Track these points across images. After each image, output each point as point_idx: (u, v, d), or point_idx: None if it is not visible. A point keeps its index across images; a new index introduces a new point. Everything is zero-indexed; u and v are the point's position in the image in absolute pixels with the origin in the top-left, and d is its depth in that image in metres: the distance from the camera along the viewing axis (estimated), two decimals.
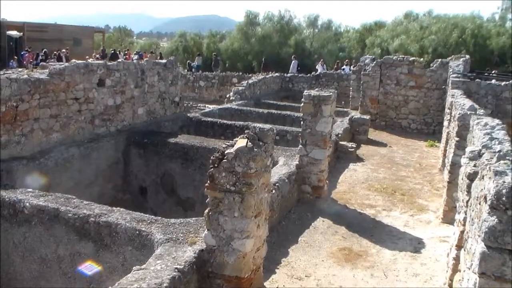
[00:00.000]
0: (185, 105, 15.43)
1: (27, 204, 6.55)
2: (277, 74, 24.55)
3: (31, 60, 31.62)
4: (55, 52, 35.77)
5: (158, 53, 37.04)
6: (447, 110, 12.97)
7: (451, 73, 15.77)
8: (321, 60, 31.71)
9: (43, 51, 35.63)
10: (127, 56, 38.79)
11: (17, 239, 6.70)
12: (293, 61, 31.92)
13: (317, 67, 29.09)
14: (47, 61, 28.12)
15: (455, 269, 5.75)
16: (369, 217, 9.01)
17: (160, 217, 6.32)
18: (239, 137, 5.31)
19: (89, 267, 6.68)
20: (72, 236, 6.29)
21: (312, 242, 7.75)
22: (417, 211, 9.47)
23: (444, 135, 12.64)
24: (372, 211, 9.30)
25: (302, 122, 9.39)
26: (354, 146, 13.51)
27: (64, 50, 36.09)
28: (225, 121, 13.56)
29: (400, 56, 19.23)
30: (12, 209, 6.63)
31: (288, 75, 25.06)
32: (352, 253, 7.45)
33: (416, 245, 7.86)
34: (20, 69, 11.34)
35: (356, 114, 17.42)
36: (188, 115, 14.20)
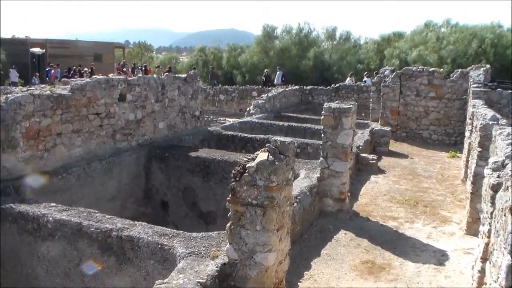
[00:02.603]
0: (205, 119, 15.49)
1: (51, 218, 6.60)
2: (296, 87, 24.57)
3: (57, 76, 32.04)
4: (79, 68, 36.29)
5: (167, 68, 37.27)
6: (468, 121, 12.87)
7: (471, 83, 15.64)
8: (351, 73, 31.48)
9: (68, 68, 36.21)
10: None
11: (41, 253, 6.75)
12: (277, 72, 32.05)
13: (364, 79, 28.86)
14: (75, 76, 28.52)
15: (481, 282, 5.66)
16: (392, 229, 8.94)
17: (182, 231, 6.32)
18: (260, 150, 5.31)
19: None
20: (95, 250, 6.32)
21: (335, 255, 7.71)
22: (440, 222, 9.38)
23: (466, 146, 12.53)
24: (394, 223, 9.23)
25: (322, 135, 9.37)
26: (375, 158, 13.44)
27: (86, 68, 36.53)
28: (245, 135, 13.59)
29: (420, 67, 19.12)
30: (36, 223, 6.68)
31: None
32: (375, 265, 7.39)
33: (439, 258, 7.78)
34: (43, 85, 11.48)
35: (376, 125, 17.36)
36: (209, 129, 14.25)
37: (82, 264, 6.46)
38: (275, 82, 32.10)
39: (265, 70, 34.91)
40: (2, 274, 7.11)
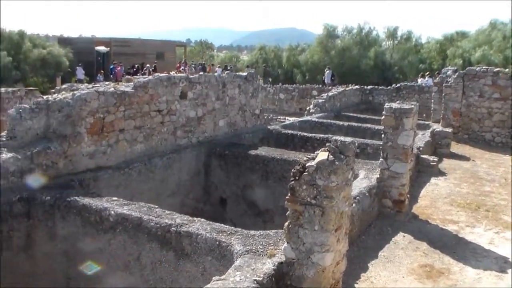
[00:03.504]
0: (265, 117, 15.52)
1: (112, 212, 6.74)
2: (357, 86, 24.35)
3: (123, 73, 32.81)
4: (141, 65, 37.08)
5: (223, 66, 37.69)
6: None
7: None
8: (427, 72, 30.79)
9: (132, 65, 37.08)
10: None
11: (102, 245, 6.90)
12: (326, 71, 31.76)
13: (426, 80, 28.31)
14: (138, 74, 29.15)
15: None
16: (452, 233, 8.72)
17: (240, 229, 6.34)
18: (320, 150, 5.27)
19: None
20: (154, 244, 6.42)
21: (393, 258, 7.58)
22: (502, 228, 9.09)
23: None
24: (454, 227, 9.01)
25: (383, 135, 9.24)
26: (436, 159, 13.15)
27: (148, 65, 37.29)
28: (305, 134, 13.54)
29: (484, 67, 18.59)
30: (98, 216, 6.84)
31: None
32: (433, 270, 7.23)
33: (502, 264, 7.53)
34: (107, 83, 11.77)
35: (438, 127, 17.00)
36: (269, 127, 14.28)
37: (141, 258, 6.58)
38: (325, 81, 32.04)
39: (327, 67, 34.88)
40: (66, 263, 7.33)
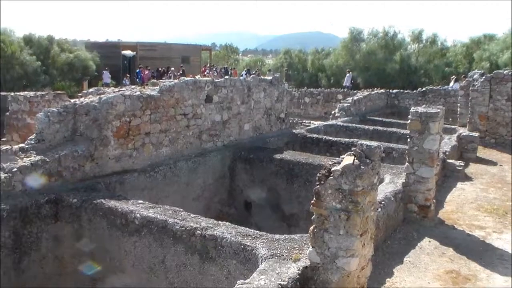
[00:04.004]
0: (290, 121, 15.51)
1: (138, 215, 6.79)
2: (382, 90, 24.23)
3: (150, 77, 33.08)
4: (167, 68, 37.36)
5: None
6: None
7: None
8: (454, 76, 30.47)
9: (157, 69, 37.40)
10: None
11: (128, 247, 6.95)
12: (347, 74, 31.65)
13: (451, 84, 27.99)
14: (163, 78, 29.39)
15: None
16: (478, 239, 8.61)
17: (264, 233, 6.33)
18: (346, 154, 5.26)
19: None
20: (179, 247, 6.44)
21: (418, 263, 7.51)
22: None
23: None
24: (481, 233, 8.90)
25: (409, 140, 9.18)
26: (462, 164, 13.01)
27: (172, 68, 37.54)
28: (330, 138, 13.49)
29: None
30: (124, 219, 6.89)
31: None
32: (460, 276, 7.14)
33: None
34: (133, 86, 11.87)
35: (464, 131, 16.81)
36: (294, 131, 14.26)
37: (166, 261, 6.61)
38: (344, 84, 32.05)
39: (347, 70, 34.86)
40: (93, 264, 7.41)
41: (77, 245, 7.42)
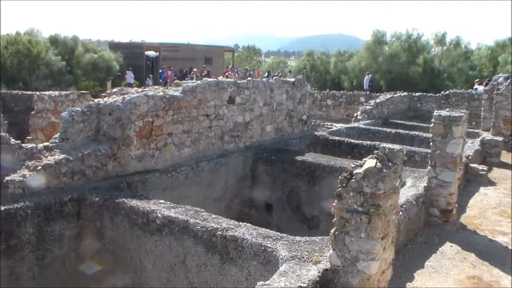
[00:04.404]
0: (312, 123, 15.49)
1: (159, 214, 6.82)
2: (405, 93, 24.07)
3: (174, 77, 33.25)
4: (189, 69, 37.54)
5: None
6: None
7: None
8: (477, 80, 30.15)
9: (180, 69, 37.59)
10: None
11: (149, 247, 7.00)
12: (365, 77, 31.52)
13: (476, 87, 27.71)
14: (186, 78, 29.56)
15: None
16: (501, 245, 8.49)
17: (285, 234, 6.33)
18: (368, 157, 5.23)
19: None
20: (200, 248, 6.46)
21: (439, 268, 7.44)
22: None
23: None
24: (504, 239, 8.78)
25: (431, 143, 9.10)
26: (486, 169, 12.85)
27: (195, 69, 37.70)
28: (352, 140, 13.44)
29: None
30: (145, 218, 6.94)
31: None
32: (481, 282, 7.06)
33: None
34: (156, 87, 11.95)
35: (487, 135, 16.59)
36: (315, 133, 14.23)
37: (187, 261, 6.64)
38: (364, 87, 31.98)
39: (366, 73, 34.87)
40: (114, 263, 7.46)
41: (99, 244, 7.49)
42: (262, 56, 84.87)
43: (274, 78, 14.23)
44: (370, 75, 33.78)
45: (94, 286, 7.53)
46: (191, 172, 9.54)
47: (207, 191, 9.93)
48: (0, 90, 21.17)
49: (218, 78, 12.13)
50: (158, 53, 43.48)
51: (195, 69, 38.37)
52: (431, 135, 9.16)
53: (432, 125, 9.02)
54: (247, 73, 43.28)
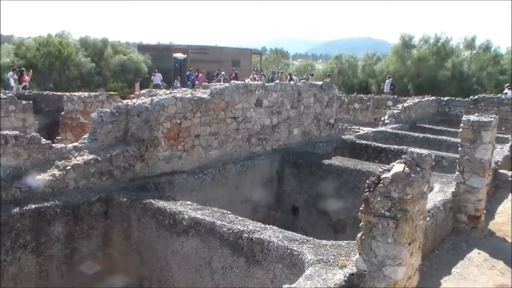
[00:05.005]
0: (339, 127, 15.43)
1: (186, 216, 6.86)
2: (433, 97, 23.85)
3: (205, 79, 33.39)
4: (217, 72, 37.72)
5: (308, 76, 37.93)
6: None
7: None
8: (507, 84, 29.70)
9: (207, 72, 37.83)
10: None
11: (175, 247, 7.03)
12: (387, 80, 31.30)
13: (506, 91, 27.38)
14: (214, 80, 29.72)
15: None
16: None
17: (311, 238, 6.32)
18: (396, 161, 5.20)
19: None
20: (226, 249, 6.48)
21: (466, 275, 7.34)
22: None
23: None
24: None
25: (460, 148, 8.99)
26: None
27: (223, 72, 37.81)
28: (379, 145, 13.35)
29: None
30: (172, 219, 6.98)
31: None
32: None
33: None
34: (184, 89, 12.02)
35: None
36: (343, 137, 14.18)
37: (213, 262, 6.66)
38: (384, 90, 31.80)
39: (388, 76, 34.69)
40: (140, 263, 7.53)
41: (126, 244, 7.56)
42: (290, 58, 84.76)
43: (302, 81, 14.19)
44: (391, 79, 33.52)
45: (119, 286, 7.61)
46: (218, 174, 9.58)
47: (233, 193, 9.95)
48: (31, 91, 21.45)
49: (246, 80, 12.15)
50: (186, 55, 43.70)
51: (223, 72, 38.47)
52: (459, 140, 9.05)
53: (460, 130, 8.91)
54: (274, 76, 43.25)
